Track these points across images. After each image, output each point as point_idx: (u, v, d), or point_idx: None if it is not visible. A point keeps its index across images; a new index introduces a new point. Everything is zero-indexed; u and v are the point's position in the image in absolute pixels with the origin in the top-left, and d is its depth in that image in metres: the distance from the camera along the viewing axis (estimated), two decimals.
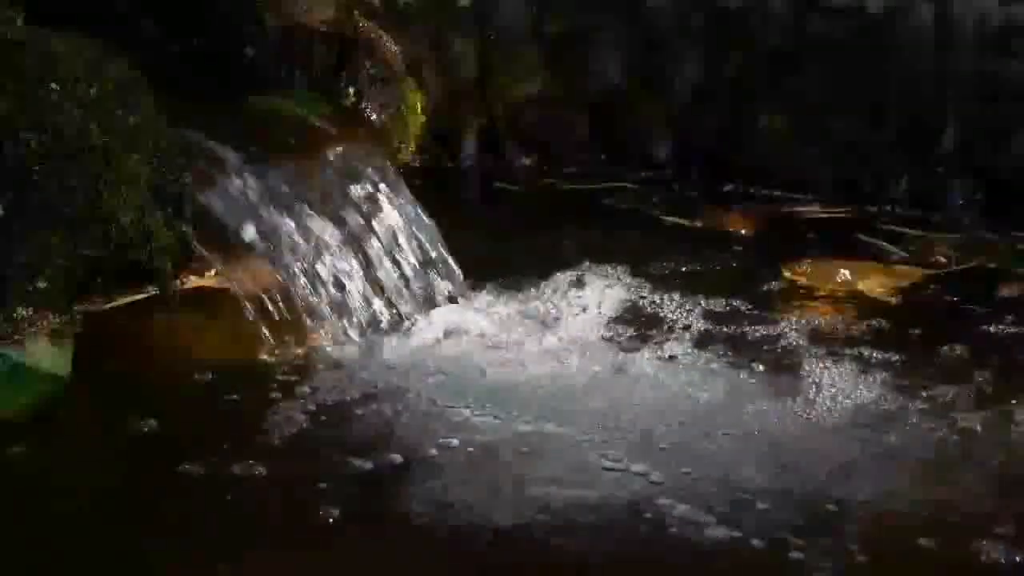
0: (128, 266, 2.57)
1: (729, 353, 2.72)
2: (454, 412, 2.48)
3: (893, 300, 3.05)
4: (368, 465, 2.27)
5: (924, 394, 2.54)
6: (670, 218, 3.55)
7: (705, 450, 2.35)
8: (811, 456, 2.34)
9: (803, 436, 2.41)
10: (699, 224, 3.52)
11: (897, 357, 2.69)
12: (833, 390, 2.55)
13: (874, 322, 2.88)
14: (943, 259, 3.28)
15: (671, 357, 2.69)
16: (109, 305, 2.68)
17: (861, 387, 2.57)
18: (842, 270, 3.15)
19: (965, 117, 3.52)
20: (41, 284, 2.45)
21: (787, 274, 3.14)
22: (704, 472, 2.26)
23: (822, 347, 2.74)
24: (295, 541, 2.09)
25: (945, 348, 2.74)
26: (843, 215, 3.58)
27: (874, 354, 2.70)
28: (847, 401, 2.52)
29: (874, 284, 3.11)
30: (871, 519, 2.14)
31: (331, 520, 2.10)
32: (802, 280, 3.12)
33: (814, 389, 2.56)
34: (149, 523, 2.12)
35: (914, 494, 2.23)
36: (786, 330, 2.83)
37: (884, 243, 3.37)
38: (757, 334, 2.82)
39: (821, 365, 2.66)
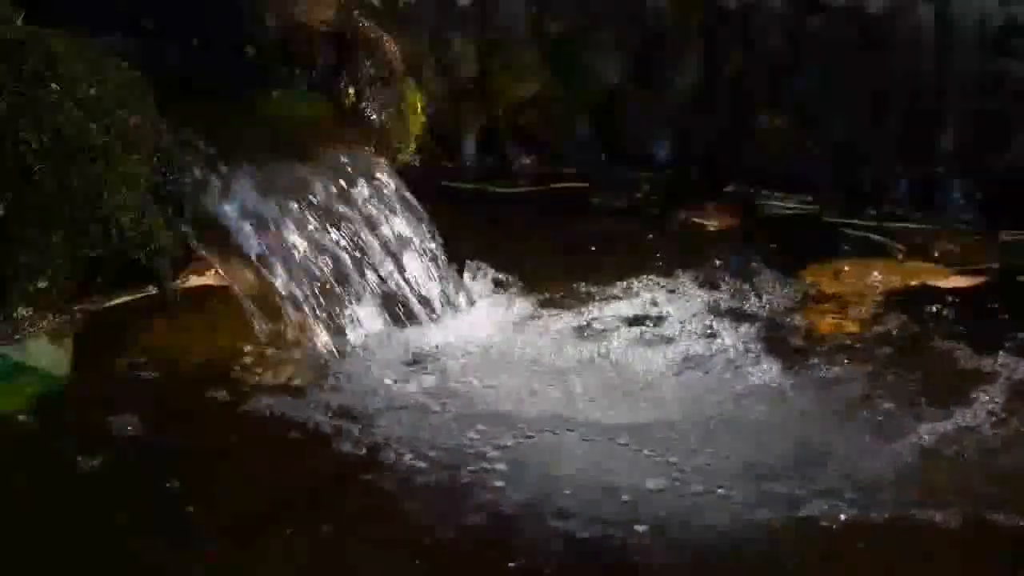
0: (128, 266, 2.57)
1: None
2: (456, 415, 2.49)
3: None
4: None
5: None
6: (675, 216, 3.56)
7: None
8: None
9: None
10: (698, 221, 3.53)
11: None
12: None
13: None
14: (938, 255, 3.29)
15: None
16: (109, 305, 2.68)
17: None
18: (874, 272, 3.14)
19: (965, 117, 3.52)
20: (41, 284, 2.45)
21: (810, 279, 3.12)
22: None
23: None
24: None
25: None
26: (832, 213, 3.58)
27: None
28: None
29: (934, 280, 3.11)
30: None
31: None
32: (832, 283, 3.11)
33: None
34: (144, 534, 2.12)
35: None
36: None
37: (889, 240, 3.38)
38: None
39: None
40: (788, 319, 2.90)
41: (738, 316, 2.88)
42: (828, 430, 2.43)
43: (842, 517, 2.13)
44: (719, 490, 2.21)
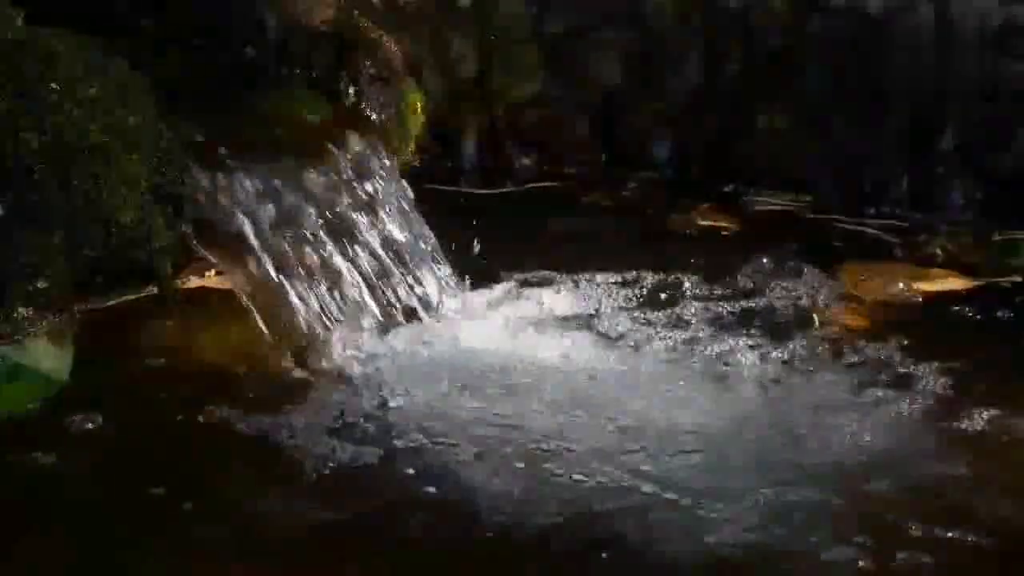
0: (128, 266, 2.57)
1: None
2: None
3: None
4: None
5: None
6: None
7: None
8: None
9: None
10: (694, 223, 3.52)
11: None
12: None
13: None
14: (939, 256, 3.29)
15: None
16: (109, 305, 2.67)
17: None
18: (901, 278, 3.14)
19: (965, 117, 3.52)
20: (41, 284, 2.45)
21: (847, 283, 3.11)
22: None
23: None
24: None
25: None
26: (831, 213, 3.58)
27: None
28: None
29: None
30: None
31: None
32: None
33: None
34: (137, 536, 2.11)
35: None
36: None
37: (890, 240, 3.38)
38: None
39: None
40: (814, 320, 2.90)
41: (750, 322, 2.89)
42: None
43: None
44: None
